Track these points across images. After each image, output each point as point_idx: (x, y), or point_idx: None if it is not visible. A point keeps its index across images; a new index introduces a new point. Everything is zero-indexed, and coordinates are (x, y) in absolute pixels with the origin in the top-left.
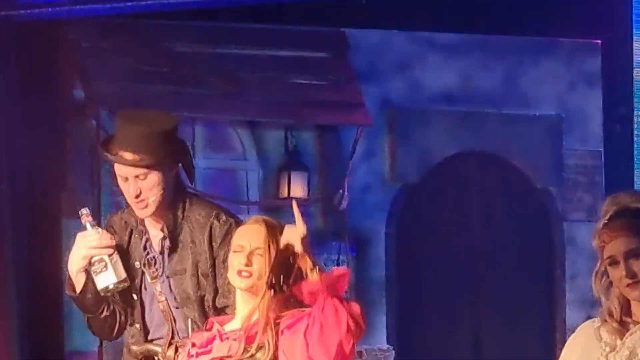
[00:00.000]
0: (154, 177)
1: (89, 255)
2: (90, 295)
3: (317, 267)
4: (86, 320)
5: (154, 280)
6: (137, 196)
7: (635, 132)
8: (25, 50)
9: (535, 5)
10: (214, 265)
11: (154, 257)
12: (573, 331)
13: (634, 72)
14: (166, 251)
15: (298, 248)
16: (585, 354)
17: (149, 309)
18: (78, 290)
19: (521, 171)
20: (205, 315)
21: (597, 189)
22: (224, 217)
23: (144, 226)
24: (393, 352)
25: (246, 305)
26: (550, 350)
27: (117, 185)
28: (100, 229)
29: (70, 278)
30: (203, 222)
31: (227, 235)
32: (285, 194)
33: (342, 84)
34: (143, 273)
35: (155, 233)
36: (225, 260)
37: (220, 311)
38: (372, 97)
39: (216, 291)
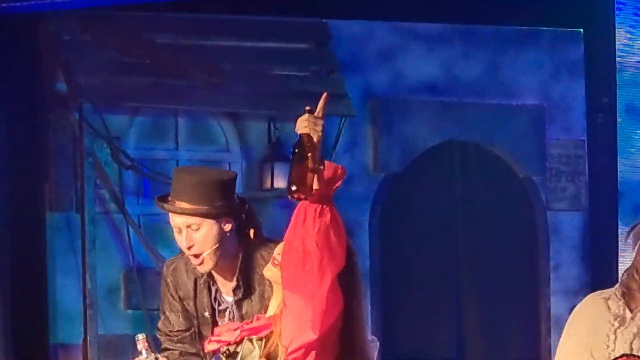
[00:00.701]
0: (208, 228)
1: None
2: None
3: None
4: None
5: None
6: (190, 247)
7: (618, 121)
8: (7, 44)
9: None
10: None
11: (226, 307)
12: (557, 320)
13: (617, 61)
14: (237, 300)
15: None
16: (593, 324)
17: None
18: None
19: (504, 161)
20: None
21: (581, 179)
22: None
23: (211, 277)
24: (377, 343)
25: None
26: (535, 340)
27: (101, 178)
28: (155, 356)
29: None
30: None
31: None
32: (269, 186)
33: (324, 74)
34: (214, 322)
35: (223, 282)
36: None
37: None
38: (355, 88)
39: None
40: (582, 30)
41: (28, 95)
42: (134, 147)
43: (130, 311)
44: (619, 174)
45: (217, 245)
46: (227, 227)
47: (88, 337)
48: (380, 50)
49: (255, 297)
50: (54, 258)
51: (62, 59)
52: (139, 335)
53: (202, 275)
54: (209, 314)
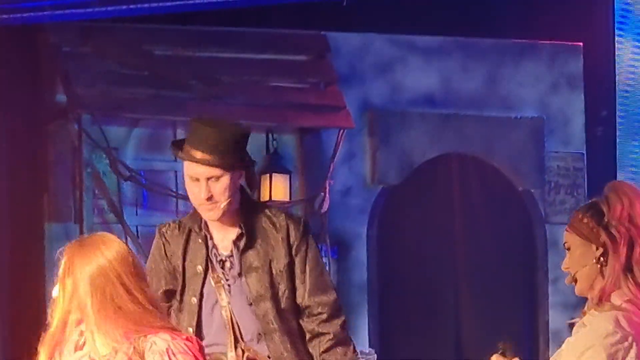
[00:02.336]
0: (226, 180)
1: None
2: None
3: None
4: None
5: (218, 284)
6: (209, 198)
7: (618, 134)
8: (7, 55)
9: (517, 8)
10: (290, 264)
11: (222, 260)
12: (555, 334)
13: (616, 74)
14: (240, 250)
15: None
16: None
17: (209, 313)
18: None
19: (503, 174)
20: (279, 312)
21: (580, 192)
22: (297, 218)
23: (209, 231)
24: (375, 355)
25: None
26: (533, 353)
27: (100, 188)
28: None
29: None
30: (278, 223)
31: (306, 235)
32: (267, 197)
33: (323, 86)
34: (205, 278)
35: (222, 237)
36: (309, 258)
37: (297, 307)
38: (353, 100)
39: (292, 289)
40: (581, 43)
41: (27, 106)
42: (132, 158)
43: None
44: None
45: (231, 196)
46: (241, 179)
47: None
48: (379, 63)
49: (259, 250)
50: (52, 269)
51: (61, 70)
52: None
53: (201, 230)
54: (202, 269)
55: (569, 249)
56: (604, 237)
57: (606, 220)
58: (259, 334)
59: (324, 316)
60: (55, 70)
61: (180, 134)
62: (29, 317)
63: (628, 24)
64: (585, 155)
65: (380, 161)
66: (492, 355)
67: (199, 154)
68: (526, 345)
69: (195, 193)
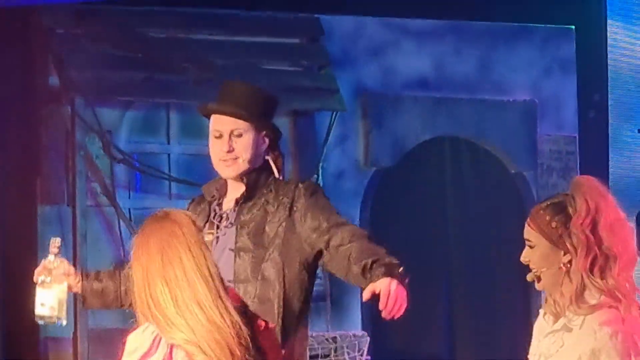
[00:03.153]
0: (249, 137)
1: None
2: (97, 301)
3: None
4: None
5: (209, 236)
6: (229, 151)
7: (610, 118)
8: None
9: None
10: (289, 220)
11: (220, 215)
12: None
13: (608, 57)
14: (239, 204)
15: None
16: None
17: None
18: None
19: (495, 156)
20: (258, 268)
21: (572, 175)
22: (309, 181)
23: (223, 194)
24: (368, 337)
25: None
26: (527, 335)
27: (93, 171)
28: (61, 259)
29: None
30: (287, 186)
31: (314, 189)
32: None
33: (316, 69)
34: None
35: (231, 198)
36: (320, 206)
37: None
38: (346, 83)
39: (282, 248)
40: (573, 27)
41: (20, 89)
42: (125, 141)
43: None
44: (610, 170)
45: (254, 157)
46: (264, 145)
47: (78, 331)
48: (372, 46)
49: (258, 206)
50: (45, 251)
51: (54, 53)
52: (55, 239)
53: (213, 196)
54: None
55: (531, 246)
56: (570, 243)
57: (571, 225)
58: (229, 281)
59: (347, 236)
60: (48, 53)
61: (173, 116)
62: (21, 299)
63: (620, 8)
64: (577, 138)
65: (373, 144)
66: None
67: (224, 107)
68: (518, 327)
69: (217, 149)
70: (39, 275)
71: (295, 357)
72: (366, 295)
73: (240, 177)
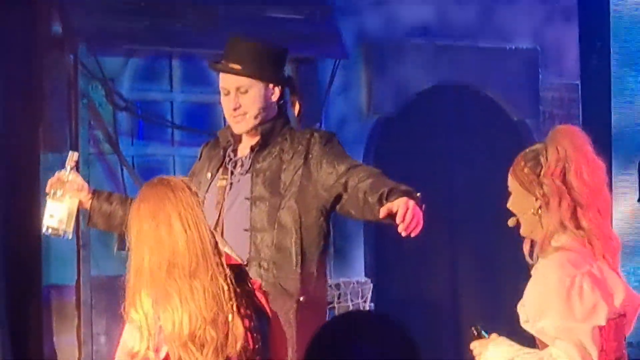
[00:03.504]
0: (255, 92)
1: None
2: (102, 221)
3: None
4: None
5: (222, 183)
6: (236, 109)
7: (612, 65)
8: None
9: None
10: (305, 168)
11: (235, 161)
12: None
13: (610, 4)
14: (255, 151)
15: None
16: None
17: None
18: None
19: (498, 104)
20: (274, 216)
21: (575, 122)
22: (324, 131)
23: (237, 142)
24: (371, 284)
25: None
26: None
27: (96, 119)
28: (76, 174)
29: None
30: (303, 135)
31: (330, 138)
32: None
33: (318, 17)
34: (211, 182)
35: (245, 145)
36: (335, 152)
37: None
38: (349, 31)
39: (298, 196)
40: None
41: (23, 37)
42: (128, 89)
43: (123, 252)
44: (612, 117)
45: (262, 111)
46: (274, 95)
47: (81, 278)
48: None
49: (274, 155)
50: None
51: (57, 1)
52: (73, 152)
53: (227, 142)
54: (211, 175)
55: (510, 192)
56: (539, 191)
57: (542, 174)
58: (245, 229)
59: (362, 173)
60: (51, 0)
61: (176, 64)
62: (24, 247)
63: None
64: (579, 86)
65: (376, 92)
66: (471, 341)
67: (228, 65)
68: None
69: (226, 106)
70: (52, 187)
71: (314, 304)
72: (383, 212)
73: (254, 129)
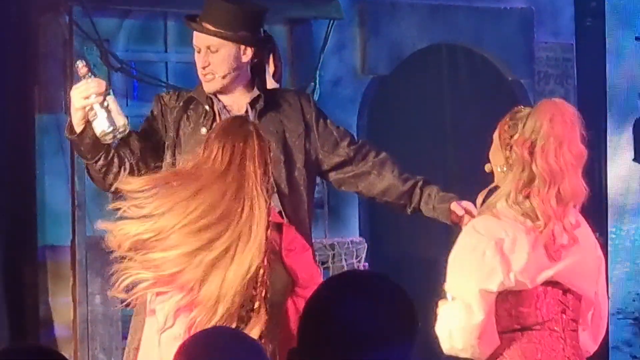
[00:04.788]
0: (224, 52)
1: (81, 106)
2: (89, 140)
3: None
4: (85, 167)
5: None
6: (205, 67)
7: (607, 25)
8: None
9: None
10: (306, 135)
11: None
12: None
13: None
14: (258, 111)
15: None
16: None
17: None
18: (78, 130)
19: (493, 64)
20: (290, 178)
21: (569, 82)
22: (305, 93)
23: (217, 98)
24: (365, 244)
25: None
26: None
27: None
28: (90, 79)
29: (70, 122)
30: (290, 98)
31: (317, 107)
32: None
33: None
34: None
35: (233, 101)
36: (329, 123)
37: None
38: None
39: (304, 159)
40: None
41: None
42: (123, 50)
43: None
44: (607, 77)
45: (231, 71)
46: (246, 57)
47: (76, 239)
48: None
49: (275, 117)
50: (43, 160)
51: None
52: (78, 62)
53: (207, 98)
54: (207, 130)
55: (492, 142)
56: (508, 154)
57: (514, 139)
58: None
59: (373, 153)
60: None
61: (171, 25)
62: (19, 207)
63: None
64: (574, 45)
65: (370, 52)
66: (439, 300)
67: (202, 24)
68: None
69: (197, 63)
70: (86, 101)
71: None
72: (458, 209)
73: (239, 91)
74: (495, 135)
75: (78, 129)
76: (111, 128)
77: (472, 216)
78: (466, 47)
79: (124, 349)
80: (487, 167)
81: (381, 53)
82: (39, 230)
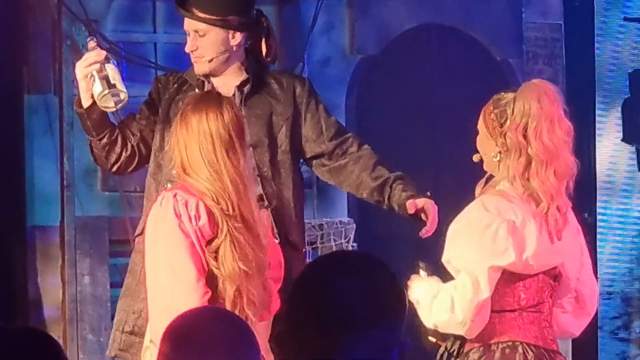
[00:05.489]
0: (214, 36)
1: (82, 76)
2: (96, 116)
3: None
4: (88, 144)
5: None
6: (193, 51)
7: (595, 4)
8: None
9: None
10: (295, 117)
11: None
12: None
13: None
14: (244, 95)
15: None
16: None
17: None
18: (85, 105)
19: (481, 44)
20: (273, 160)
21: (558, 62)
22: (301, 76)
23: (208, 80)
24: (354, 224)
25: None
26: None
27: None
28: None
29: (78, 96)
30: (283, 80)
31: (312, 90)
32: None
33: None
34: None
35: (223, 84)
36: (320, 109)
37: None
38: None
39: (291, 142)
40: None
41: None
42: (111, 30)
43: (107, 193)
44: (596, 57)
45: (219, 54)
46: (235, 40)
47: (65, 219)
48: None
49: (263, 99)
50: (32, 140)
51: None
52: (88, 39)
53: (198, 79)
54: None
55: (477, 131)
56: (500, 141)
57: (506, 125)
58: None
59: (355, 147)
60: None
61: (160, 5)
62: (8, 188)
63: None
64: (563, 25)
65: (359, 32)
66: (412, 274)
67: (191, 8)
68: None
69: (187, 46)
70: (86, 70)
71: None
72: (411, 207)
73: (230, 73)
74: (481, 124)
75: (85, 103)
76: (107, 90)
77: (426, 215)
78: (455, 27)
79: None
80: (475, 158)
81: (370, 33)
82: (28, 210)
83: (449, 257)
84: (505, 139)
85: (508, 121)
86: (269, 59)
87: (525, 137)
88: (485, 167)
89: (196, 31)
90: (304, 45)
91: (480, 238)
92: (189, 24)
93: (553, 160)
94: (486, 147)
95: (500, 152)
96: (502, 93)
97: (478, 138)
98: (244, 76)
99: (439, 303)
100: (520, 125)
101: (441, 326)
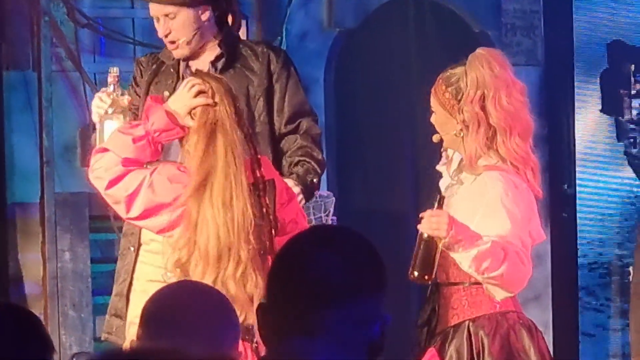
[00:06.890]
0: (184, 16)
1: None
2: None
3: None
4: None
5: None
6: (166, 36)
7: None
8: None
9: None
10: (268, 89)
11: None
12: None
13: None
14: (218, 70)
15: None
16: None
17: None
18: None
19: (459, 15)
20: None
21: (537, 33)
22: (277, 47)
23: (184, 60)
24: (333, 198)
25: None
26: None
27: (57, 36)
28: (122, 91)
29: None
30: (259, 50)
31: (287, 63)
32: None
33: None
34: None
35: (198, 61)
36: (289, 85)
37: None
38: None
39: (268, 114)
40: None
41: None
42: (89, 6)
43: (86, 169)
44: (574, 29)
45: (194, 33)
46: (205, 15)
47: (45, 195)
48: None
49: (238, 72)
50: (11, 116)
51: None
52: (112, 68)
53: (173, 59)
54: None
55: (432, 111)
56: (460, 117)
57: (462, 100)
58: None
59: (300, 150)
60: None
61: None
62: None
63: None
64: None
65: (337, 5)
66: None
67: None
68: None
69: (159, 32)
70: (103, 107)
71: None
72: None
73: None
74: (435, 105)
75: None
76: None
77: None
78: (433, 0)
79: (94, 305)
80: (435, 138)
81: (347, 6)
82: (8, 187)
83: (502, 229)
84: (463, 114)
85: (464, 95)
86: (234, 27)
87: (483, 108)
88: (447, 146)
89: (166, 15)
90: (282, 19)
91: (528, 214)
92: (156, 9)
93: (516, 124)
94: (447, 127)
95: (461, 129)
96: (449, 70)
97: (434, 119)
98: (217, 51)
99: (509, 276)
100: (477, 97)
101: (502, 296)
